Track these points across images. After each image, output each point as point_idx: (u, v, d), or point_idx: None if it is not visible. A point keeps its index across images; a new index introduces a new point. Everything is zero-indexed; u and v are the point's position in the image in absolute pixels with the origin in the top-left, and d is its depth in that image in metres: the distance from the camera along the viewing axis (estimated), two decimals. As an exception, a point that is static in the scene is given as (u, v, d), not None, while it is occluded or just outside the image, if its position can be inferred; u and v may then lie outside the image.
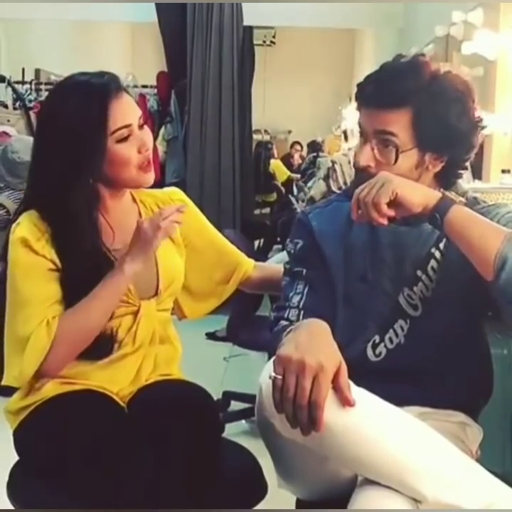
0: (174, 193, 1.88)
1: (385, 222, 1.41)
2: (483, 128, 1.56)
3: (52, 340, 1.56)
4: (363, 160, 1.52)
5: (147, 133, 1.68)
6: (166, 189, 1.85)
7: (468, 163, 1.60)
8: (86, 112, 1.59)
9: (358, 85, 1.55)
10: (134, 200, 1.79)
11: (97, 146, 1.59)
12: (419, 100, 1.48)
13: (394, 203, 1.41)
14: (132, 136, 1.64)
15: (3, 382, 1.63)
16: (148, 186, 1.74)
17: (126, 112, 1.63)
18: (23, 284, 1.59)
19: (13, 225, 1.63)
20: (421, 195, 1.42)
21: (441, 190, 1.45)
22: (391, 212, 1.40)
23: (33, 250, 1.59)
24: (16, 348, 1.59)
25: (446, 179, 1.59)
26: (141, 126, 1.66)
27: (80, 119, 1.59)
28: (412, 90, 1.48)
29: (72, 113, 1.59)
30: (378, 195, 1.39)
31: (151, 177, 1.71)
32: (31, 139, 4.71)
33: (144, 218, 1.66)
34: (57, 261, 1.61)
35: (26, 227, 1.61)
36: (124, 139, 1.62)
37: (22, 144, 4.02)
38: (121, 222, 1.72)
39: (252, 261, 1.96)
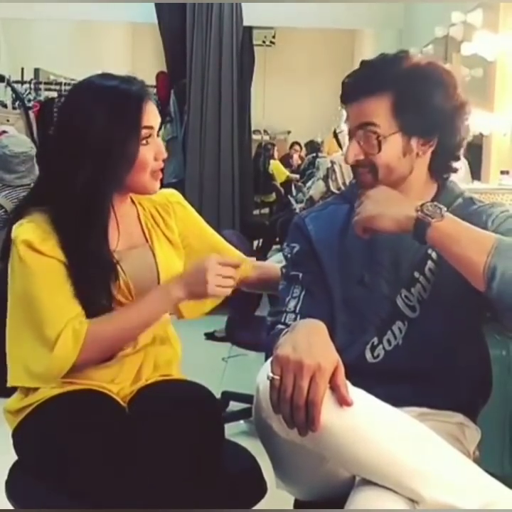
0: (172, 195, 1.89)
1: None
2: (467, 113, 1.55)
3: (79, 345, 1.56)
4: (351, 156, 1.54)
5: (160, 142, 1.72)
6: (163, 191, 1.86)
7: (460, 154, 1.59)
8: (116, 117, 1.61)
9: (342, 84, 1.57)
10: (132, 202, 1.79)
11: (130, 150, 1.62)
12: (397, 86, 1.49)
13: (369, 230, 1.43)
14: (152, 139, 1.67)
15: (11, 383, 1.65)
16: (152, 194, 1.75)
17: (152, 115, 1.67)
18: (39, 287, 1.59)
19: (15, 226, 1.62)
20: (392, 221, 1.41)
21: (419, 205, 1.40)
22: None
23: (40, 252, 1.58)
24: (37, 348, 1.58)
25: (440, 171, 1.59)
26: (157, 134, 1.71)
27: (109, 124, 1.60)
28: (390, 78, 1.50)
29: (102, 117, 1.60)
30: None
31: (158, 185, 1.74)
32: (22, 135, 4.72)
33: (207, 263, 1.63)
34: (64, 257, 1.60)
35: (29, 229, 1.60)
36: (145, 142, 1.64)
37: (11, 139, 4.04)
38: (122, 224, 1.72)
39: (250, 260, 1.96)
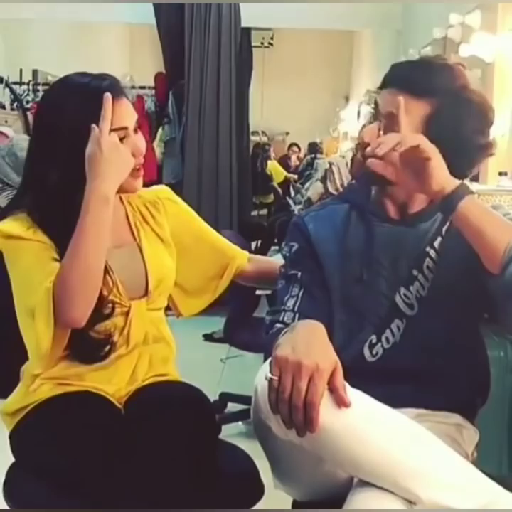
0: (161, 191, 1.87)
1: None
2: (490, 155, 1.56)
3: (51, 297, 1.50)
4: (367, 136, 1.53)
5: (141, 138, 1.68)
6: (153, 187, 1.84)
7: (469, 173, 1.59)
8: (86, 112, 1.57)
9: (393, 66, 1.56)
10: (121, 200, 1.78)
11: None
12: (442, 99, 1.48)
13: (420, 174, 1.39)
14: (127, 139, 1.64)
15: (34, 372, 1.63)
16: (135, 192, 1.74)
17: (124, 114, 1.63)
18: (18, 264, 1.58)
19: None
20: (445, 174, 1.40)
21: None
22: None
23: (20, 238, 1.57)
24: (29, 325, 1.55)
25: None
26: (135, 130, 1.67)
27: (80, 119, 1.57)
28: (440, 88, 1.49)
29: (73, 112, 1.59)
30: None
31: (139, 183, 1.71)
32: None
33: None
34: (48, 240, 1.58)
35: (10, 223, 1.59)
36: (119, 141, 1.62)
37: (25, 143, 4.02)
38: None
39: (246, 254, 1.94)
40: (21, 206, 1.64)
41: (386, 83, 1.55)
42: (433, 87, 1.49)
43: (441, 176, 1.40)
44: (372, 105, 1.56)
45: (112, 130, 1.58)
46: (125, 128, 1.63)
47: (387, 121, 1.51)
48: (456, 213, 1.40)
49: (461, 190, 1.40)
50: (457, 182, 1.41)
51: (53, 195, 1.61)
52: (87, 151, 1.55)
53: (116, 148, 1.56)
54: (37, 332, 1.52)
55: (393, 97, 1.49)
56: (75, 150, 1.57)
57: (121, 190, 1.68)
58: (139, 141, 1.67)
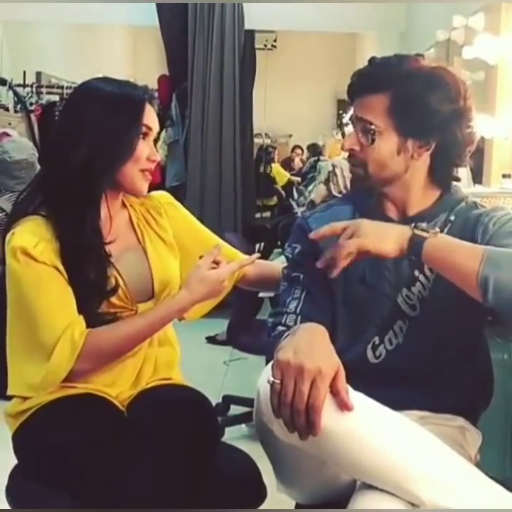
0: (162, 196, 1.89)
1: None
2: (470, 120, 1.55)
3: (76, 354, 1.56)
4: (347, 143, 1.59)
5: (154, 147, 1.74)
6: (154, 193, 1.86)
7: (462, 161, 1.59)
8: (123, 109, 1.65)
9: (351, 76, 1.61)
10: (123, 205, 1.79)
11: (129, 138, 1.65)
12: (395, 86, 1.51)
13: (367, 256, 1.42)
14: (149, 138, 1.70)
15: (10, 392, 1.65)
16: (139, 196, 1.76)
17: (152, 118, 1.72)
18: (32, 293, 1.59)
19: (8, 235, 1.62)
20: (392, 243, 1.41)
21: (410, 225, 1.43)
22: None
23: (32, 258, 1.58)
24: (32, 358, 1.59)
25: (440, 177, 1.60)
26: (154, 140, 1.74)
27: (116, 115, 1.64)
28: (390, 78, 1.52)
29: (108, 112, 1.64)
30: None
31: (146, 187, 1.74)
32: (24, 139, 4.72)
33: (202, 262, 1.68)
34: (59, 264, 1.60)
35: (21, 236, 1.60)
36: (143, 136, 1.68)
37: (13, 144, 4.02)
38: (114, 228, 1.73)
39: (248, 257, 1.94)
40: (34, 208, 1.66)
41: (348, 96, 1.60)
42: (385, 80, 1.52)
43: (389, 247, 1.41)
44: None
45: (143, 124, 1.68)
46: (150, 128, 1.71)
47: (359, 125, 1.56)
48: (424, 256, 1.40)
49: (415, 243, 1.40)
50: (408, 234, 1.40)
51: (73, 184, 1.63)
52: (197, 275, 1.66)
53: (216, 281, 1.66)
54: (48, 373, 1.57)
55: (357, 104, 1.57)
56: (100, 141, 1.62)
57: (129, 192, 1.72)
58: (154, 148, 1.74)
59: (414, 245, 1.40)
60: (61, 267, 1.60)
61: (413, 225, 1.43)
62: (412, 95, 1.50)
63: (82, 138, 1.62)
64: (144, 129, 1.68)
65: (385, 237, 1.41)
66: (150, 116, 1.70)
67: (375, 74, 1.55)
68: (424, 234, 1.40)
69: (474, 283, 1.35)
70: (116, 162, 1.65)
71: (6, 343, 1.65)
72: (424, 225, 1.43)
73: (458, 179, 1.63)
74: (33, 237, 1.59)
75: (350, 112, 1.58)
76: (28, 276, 1.59)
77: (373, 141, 1.53)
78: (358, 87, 1.57)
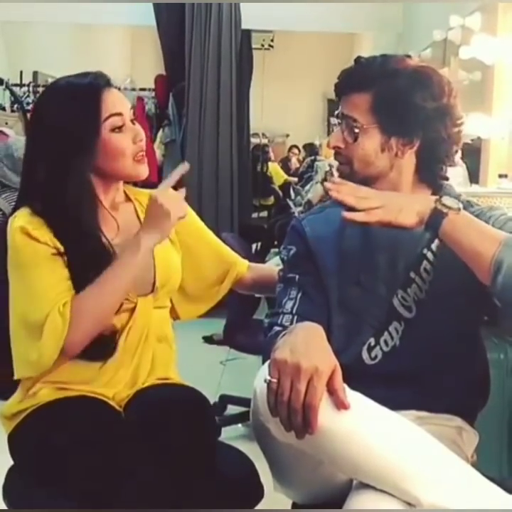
0: None
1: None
2: (455, 118, 1.55)
3: (68, 323, 1.55)
4: (333, 141, 1.60)
5: (138, 127, 1.72)
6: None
7: (450, 159, 1.59)
8: (78, 103, 1.64)
9: (338, 76, 1.63)
10: (127, 198, 1.80)
11: (91, 133, 1.63)
12: (381, 84, 1.53)
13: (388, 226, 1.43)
14: (125, 126, 1.67)
15: (16, 376, 1.64)
16: (142, 178, 1.74)
17: (116, 101, 1.68)
18: (29, 272, 1.59)
19: (10, 219, 1.64)
20: (414, 214, 1.41)
21: (437, 196, 1.43)
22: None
23: (33, 238, 1.59)
24: (29, 335, 1.58)
25: (427, 176, 1.60)
26: (132, 121, 1.70)
27: (73, 110, 1.63)
28: (375, 75, 1.54)
29: (65, 106, 1.64)
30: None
31: (145, 169, 1.73)
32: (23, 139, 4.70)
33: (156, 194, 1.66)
34: (60, 245, 1.60)
35: (24, 218, 1.62)
36: (118, 129, 1.66)
37: (19, 142, 4.02)
38: (121, 220, 1.73)
39: (246, 262, 1.95)
40: (25, 201, 1.67)
41: (335, 95, 1.62)
42: (369, 78, 1.54)
43: (411, 217, 1.41)
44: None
45: (107, 117, 1.64)
46: (120, 114, 1.67)
47: (344, 123, 1.57)
48: (440, 236, 1.41)
49: (436, 215, 1.40)
50: (431, 205, 1.41)
51: (51, 184, 1.64)
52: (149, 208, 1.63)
53: (174, 199, 1.65)
54: (42, 348, 1.56)
55: (341, 102, 1.59)
56: (69, 136, 1.62)
57: (126, 177, 1.73)
58: (138, 128, 1.71)
59: (433, 219, 1.40)
60: (62, 249, 1.60)
61: (438, 196, 1.43)
62: (394, 92, 1.51)
63: (44, 141, 1.65)
64: (114, 119, 1.65)
65: (406, 210, 1.42)
66: (115, 102, 1.67)
67: (359, 72, 1.57)
68: (446, 210, 1.40)
69: (487, 264, 1.36)
70: (85, 157, 1.64)
71: (10, 329, 1.65)
72: (448, 200, 1.42)
73: (446, 178, 1.63)
74: (34, 220, 1.61)
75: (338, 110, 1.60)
76: (27, 253, 1.59)
77: (356, 138, 1.54)
78: (344, 86, 1.59)
